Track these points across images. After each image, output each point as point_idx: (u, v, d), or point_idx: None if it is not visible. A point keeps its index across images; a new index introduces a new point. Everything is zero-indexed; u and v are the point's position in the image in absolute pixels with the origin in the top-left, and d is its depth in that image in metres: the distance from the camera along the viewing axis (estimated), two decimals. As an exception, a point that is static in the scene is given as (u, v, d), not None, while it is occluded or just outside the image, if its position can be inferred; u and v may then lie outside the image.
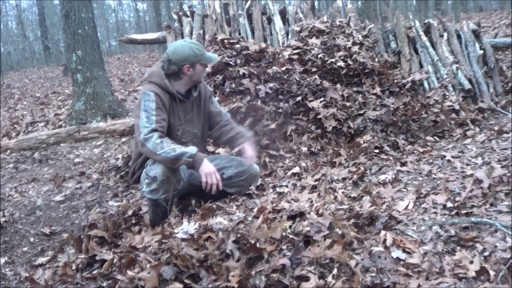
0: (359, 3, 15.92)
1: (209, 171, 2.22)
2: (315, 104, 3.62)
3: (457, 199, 2.19)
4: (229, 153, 2.99)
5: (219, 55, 3.94)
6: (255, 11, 4.87)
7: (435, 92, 4.03)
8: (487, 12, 14.47)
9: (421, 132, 3.60)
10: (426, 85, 4.21)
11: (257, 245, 1.70)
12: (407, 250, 1.76)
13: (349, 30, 4.47)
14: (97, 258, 1.97)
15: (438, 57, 4.39)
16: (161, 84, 2.33)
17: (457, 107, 3.90)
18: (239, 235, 1.75)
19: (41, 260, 2.41)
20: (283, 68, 3.82)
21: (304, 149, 3.38)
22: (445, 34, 4.63)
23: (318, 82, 3.80)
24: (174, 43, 2.46)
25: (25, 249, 2.63)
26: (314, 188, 2.75)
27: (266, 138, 3.39)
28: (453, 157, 3.01)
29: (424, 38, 4.51)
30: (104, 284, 1.71)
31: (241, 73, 3.77)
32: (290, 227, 1.84)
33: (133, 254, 1.77)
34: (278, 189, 2.84)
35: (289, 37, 4.63)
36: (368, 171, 2.99)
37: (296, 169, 3.09)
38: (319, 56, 4.03)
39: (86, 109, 6.24)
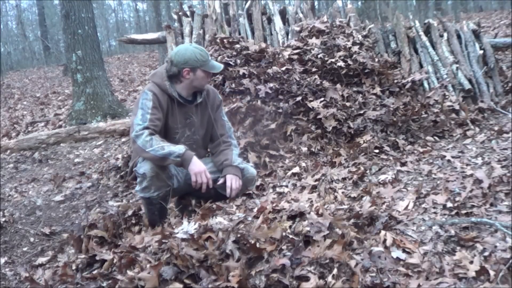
0: (359, 3, 15.93)
1: (198, 170, 2.18)
2: (315, 104, 3.62)
3: (457, 199, 2.19)
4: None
5: (219, 55, 3.94)
6: (255, 11, 4.87)
7: (435, 92, 4.03)
8: (487, 12, 14.47)
9: (421, 132, 3.60)
10: (426, 85, 4.21)
11: (257, 245, 1.70)
12: (407, 250, 1.76)
13: (349, 30, 4.46)
14: (97, 258, 1.97)
15: (438, 57, 4.39)
16: (160, 85, 2.33)
17: (457, 107, 3.90)
18: (239, 235, 1.75)
19: (41, 260, 2.41)
20: (283, 68, 3.82)
21: (304, 149, 3.38)
22: (445, 34, 4.63)
23: (318, 82, 3.80)
24: (180, 45, 2.45)
25: (25, 249, 2.63)
26: (314, 188, 2.76)
27: (266, 138, 3.39)
28: (453, 157, 3.01)
29: (424, 38, 4.51)
30: (104, 284, 1.71)
31: (241, 73, 3.77)
32: (290, 227, 1.83)
33: (133, 254, 1.77)
34: (278, 189, 2.85)
35: (289, 37, 4.62)
36: (368, 171, 2.99)
37: (296, 169, 3.09)
38: (319, 56, 4.03)
39: (86, 109, 6.25)
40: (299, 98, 3.63)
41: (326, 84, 3.82)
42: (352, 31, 4.46)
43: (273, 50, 4.14)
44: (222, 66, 2.41)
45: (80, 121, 6.02)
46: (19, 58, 22.21)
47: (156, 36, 5.53)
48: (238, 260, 1.65)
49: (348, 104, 3.72)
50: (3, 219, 2.96)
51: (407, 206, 2.21)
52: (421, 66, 4.41)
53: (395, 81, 4.07)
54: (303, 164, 3.15)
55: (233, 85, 3.68)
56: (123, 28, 26.31)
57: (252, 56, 3.98)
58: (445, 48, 4.50)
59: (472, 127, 3.71)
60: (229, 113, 3.34)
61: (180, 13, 5.12)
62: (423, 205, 2.21)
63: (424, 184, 2.55)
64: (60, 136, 5.30)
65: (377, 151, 3.32)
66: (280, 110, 3.56)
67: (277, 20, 4.82)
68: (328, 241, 1.71)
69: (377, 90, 3.92)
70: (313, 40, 4.23)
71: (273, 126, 3.44)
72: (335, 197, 2.50)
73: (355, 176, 2.87)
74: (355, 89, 3.92)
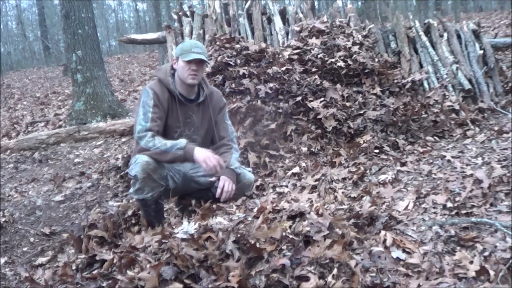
0: (359, 3, 15.94)
1: (205, 156, 2.19)
2: (315, 104, 3.61)
3: (457, 199, 2.19)
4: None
5: (219, 55, 3.94)
6: (255, 11, 4.87)
7: (435, 92, 4.03)
8: (487, 12, 14.47)
9: (421, 132, 3.60)
10: (426, 85, 4.21)
11: (257, 245, 1.70)
12: (407, 250, 1.76)
13: (349, 30, 4.46)
14: (97, 258, 1.97)
15: (438, 57, 4.39)
16: (163, 80, 2.37)
17: (457, 107, 3.89)
18: (239, 235, 1.75)
19: (41, 260, 2.41)
20: (283, 68, 3.82)
21: (304, 149, 3.38)
22: (445, 34, 4.63)
23: (318, 82, 3.80)
24: None
25: (25, 249, 2.63)
26: (314, 188, 2.75)
27: (266, 138, 3.39)
28: (453, 157, 3.00)
29: (424, 38, 4.51)
30: (104, 284, 1.71)
31: (241, 73, 3.77)
32: (290, 227, 1.83)
33: (133, 254, 1.77)
34: (278, 189, 2.84)
35: (289, 37, 4.62)
36: (368, 171, 2.98)
37: (296, 169, 3.09)
38: (319, 56, 4.03)
39: (86, 109, 6.25)
40: (299, 98, 3.63)
41: (326, 84, 3.82)
42: (352, 31, 4.46)
43: (273, 50, 4.14)
44: (197, 56, 2.28)
45: (80, 121, 6.02)
46: (19, 58, 22.22)
47: (156, 36, 5.53)
48: (238, 260, 1.65)
49: (348, 104, 3.72)
50: (3, 219, 2.95)
51: (407, 206, 2.21)
52: (421, 66, 4.41)
53: (395, 81, 4.07)
54: (303, 164, 3.15)
55: (233, 85, 3.68)
56: (123, 28, 26.32)
57: (252, 56, 3.98)
58: (445, 48, 4.50)
59: (472, 127, 3.71)
60: (229, 113, 3.33)
61: (180, 13, 5.12)
62: (423, 205, 2.20)
63: (424, 184, 2.55)
64: (60, 136, 5.30)
65: (377, 151, 3.32)
66: (280, 110, 3.56)
67: (277, 20, 4.82)
68: (328, 241, 1.71)
69: (377, 90, 3.92)
70: (313, 40, 4.23)
71: (273, 126, 3.44)
72: (335, 197, 2.50)
73: (355, 176, 2.87)
74: (355, 89, 3.92)
